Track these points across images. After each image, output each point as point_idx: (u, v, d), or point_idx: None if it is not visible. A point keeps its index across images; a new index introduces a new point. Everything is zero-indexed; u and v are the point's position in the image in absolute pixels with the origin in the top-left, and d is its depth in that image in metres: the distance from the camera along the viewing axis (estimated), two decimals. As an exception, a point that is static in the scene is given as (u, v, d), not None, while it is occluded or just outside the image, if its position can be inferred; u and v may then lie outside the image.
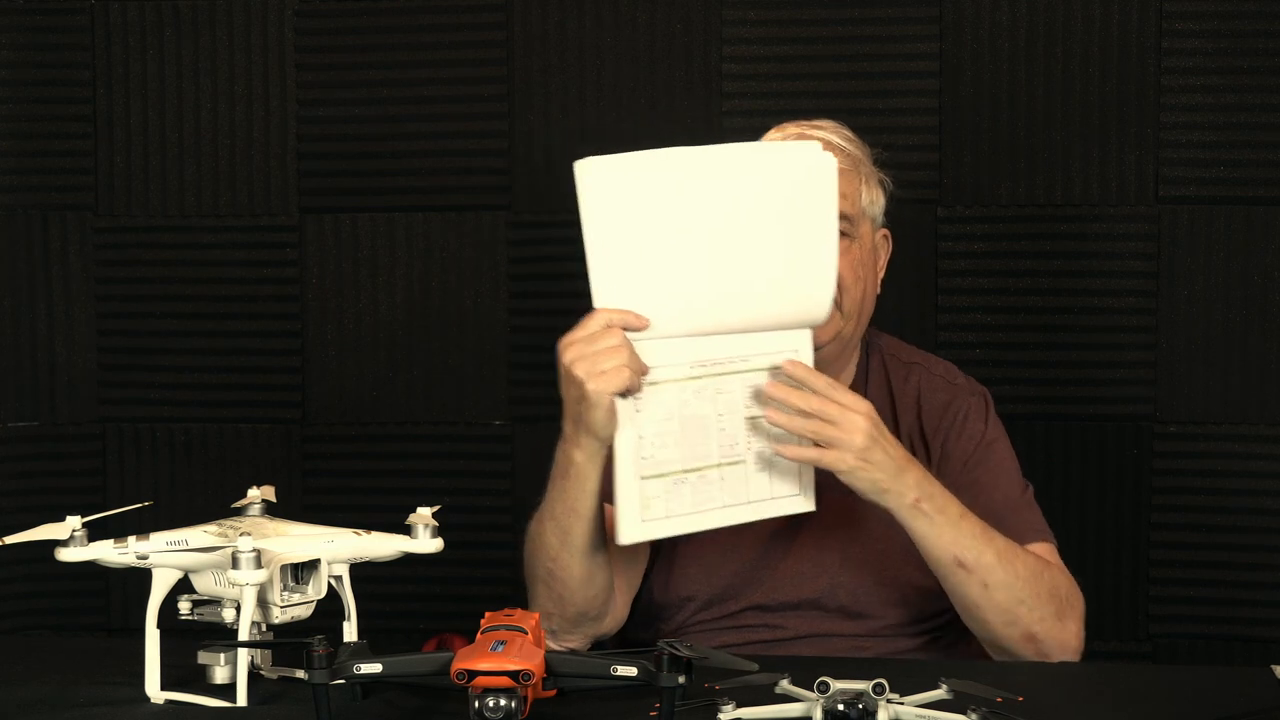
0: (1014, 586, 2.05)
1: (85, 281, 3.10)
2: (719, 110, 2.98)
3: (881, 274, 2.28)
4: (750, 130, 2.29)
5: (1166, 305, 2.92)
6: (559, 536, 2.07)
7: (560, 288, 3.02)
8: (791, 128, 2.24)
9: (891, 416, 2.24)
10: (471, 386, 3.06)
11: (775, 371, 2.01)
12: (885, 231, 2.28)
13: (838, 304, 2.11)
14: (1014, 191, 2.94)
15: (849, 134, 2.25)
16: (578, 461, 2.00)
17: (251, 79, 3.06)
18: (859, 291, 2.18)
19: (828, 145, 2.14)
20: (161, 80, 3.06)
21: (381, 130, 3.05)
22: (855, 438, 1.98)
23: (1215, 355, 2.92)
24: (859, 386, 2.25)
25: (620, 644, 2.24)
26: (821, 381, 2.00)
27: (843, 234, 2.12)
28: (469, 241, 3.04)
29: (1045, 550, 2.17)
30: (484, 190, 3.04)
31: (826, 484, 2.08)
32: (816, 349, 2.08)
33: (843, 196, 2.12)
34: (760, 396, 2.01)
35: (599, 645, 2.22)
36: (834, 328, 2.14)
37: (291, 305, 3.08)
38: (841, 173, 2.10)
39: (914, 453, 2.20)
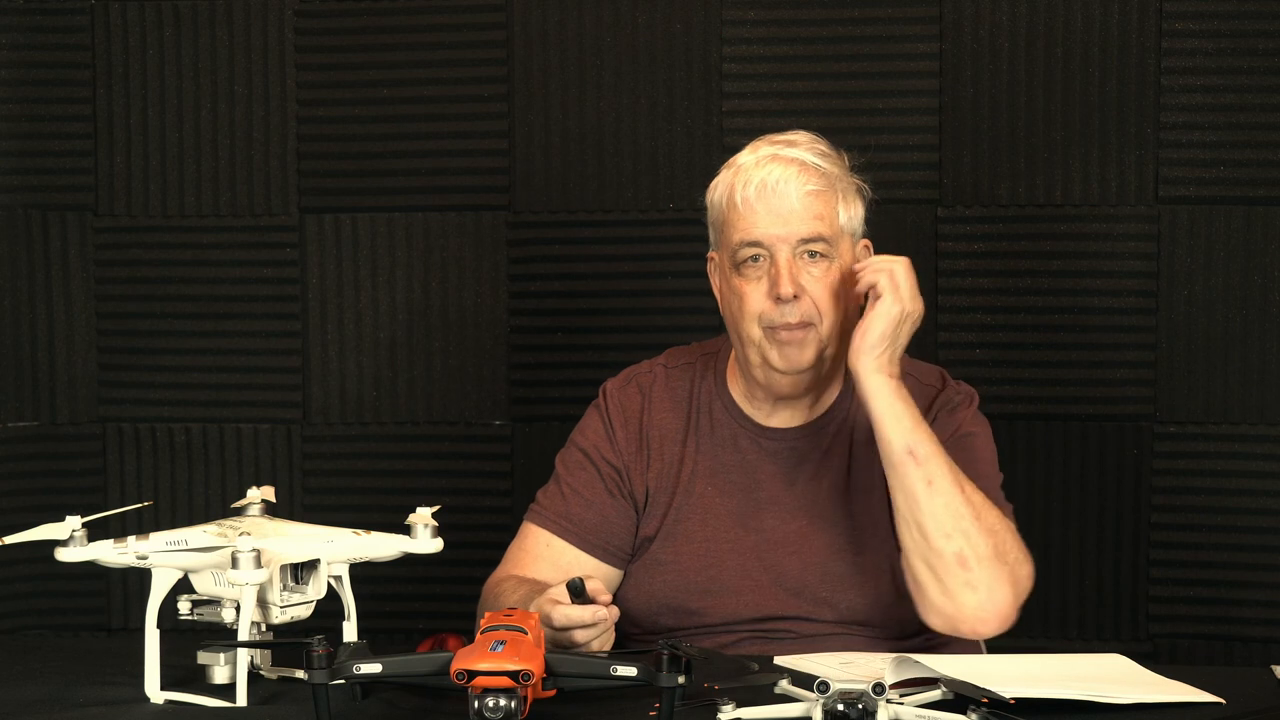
0: (957, 505, 2.05)
1: (85, 281, 3.09)
2: (719, 110, 2.97)
3: None
4: (751, 131, 2.28)
5: (1166, 305, 2.92)
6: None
7: (560, 288, 3.03)
8: (764, 145, 2.19)
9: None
10: (471, 386, 3.06)
11: None
12: (866, 242, 2.24)
13: (817, 328, 2.14)
14: (1014, 191, 2.94)
15: (824, 147, 2.20)
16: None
17: (251, 79, 3.05)
18: (838, 314, 2.16)
19: (802, 164, 2.15)
20: (161, 80, 3.06)
21: (381, 130, 3.04)
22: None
23: (1215, 355, 2.91)
24: (843, 405, 2.24)
25: (620, 644, 2.23)
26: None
27: (821, 255, 2.15)
28: (469, 241, 3.04)
29: None
30: (484, 190, 3.04)
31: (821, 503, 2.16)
32: (797, 373, 2.15)
33: (818, 218, 2.14)
34: None
35: None
36: (815, 350, 2.15)
37: (291, 305, 3.07)
38: (816, 193, 2.14)
39: None
